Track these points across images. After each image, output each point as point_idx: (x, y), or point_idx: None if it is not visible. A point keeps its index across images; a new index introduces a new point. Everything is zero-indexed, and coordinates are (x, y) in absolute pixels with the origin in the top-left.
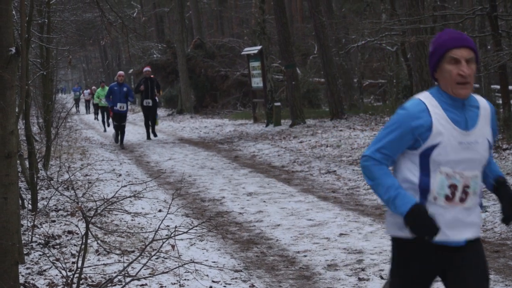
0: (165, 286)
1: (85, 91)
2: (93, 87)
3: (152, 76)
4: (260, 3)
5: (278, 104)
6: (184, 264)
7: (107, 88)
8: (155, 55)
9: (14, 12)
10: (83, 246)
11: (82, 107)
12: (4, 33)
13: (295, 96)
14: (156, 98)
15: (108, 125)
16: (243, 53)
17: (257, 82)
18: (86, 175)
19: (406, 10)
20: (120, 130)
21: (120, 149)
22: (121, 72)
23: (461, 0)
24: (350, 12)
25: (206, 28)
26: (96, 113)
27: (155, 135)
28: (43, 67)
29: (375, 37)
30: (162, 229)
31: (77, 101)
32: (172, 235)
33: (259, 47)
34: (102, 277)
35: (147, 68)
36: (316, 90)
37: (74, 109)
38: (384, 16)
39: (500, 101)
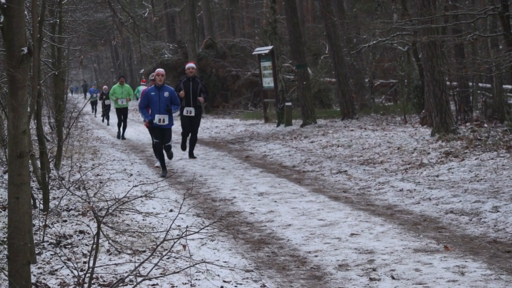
0: (176, 286)
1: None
2: (104, 87)
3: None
4: (271, 3)
5: (289, 104)
6: (195, 264)
7: (126, 86)
8: (166, 55)
9: (26, 12)
10: (94, 245)
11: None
12: (16, 33)
13: (306, 96)
14: (201, 104)
15: (122, 134)
16: (254, 53)
17: (268, 82)
18: (98, 175)
19: (417, 10)
20: (161, 152)
21: (162, 177)
22: (160, 70)
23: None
24: (361, 12)
25: (217, 28)
26: (105, 115)
27: (191, 155)
28: (54, 67)
29: (386, 37)
30: (173, 229)
31: (94, 103)
32: (183, 235)
33: (270, 47)
34: (113, 277)
35: (190, 65)
36: (327, 90)
37: (91, 112)
38: (396, 16)
39: None
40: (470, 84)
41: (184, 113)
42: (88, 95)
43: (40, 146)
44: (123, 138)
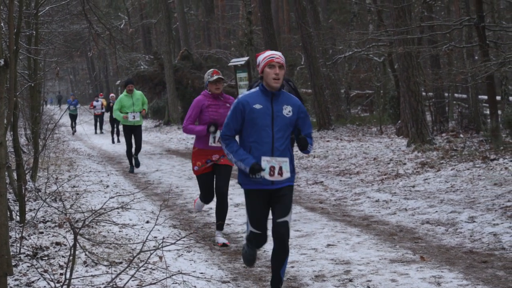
0: None
1: (94, 102)
2: (112, 95)
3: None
4: (247, 14)
5: None
6: (172, 275)
7: (138, 93)
8: (142, 66)
9: (2, 24)
10: (71, 257)
11: (79, 127)
12: None
13: None
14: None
15: (136, 163)
16: (230, 64)
17: (244, 93)
18: (74, 186)
19: (393, 21)
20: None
21: None
22: (274, 54)
23: (448, 10)
24: (337, 23)
25: (193, 39)
26: (115, 133)
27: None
28: (31, 79)
29: (362, 47)
30: (150, 240)
31: (73, 117)
32: (160, 246)
33: (246, 58)
34: None
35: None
36: (303, 101)
37: (70, 129)
38: (371, 26)
39: (488, 112)
40: (446, 94)
41: None
42: (65, 106)
43: (17, 157)
44: (136, 165)
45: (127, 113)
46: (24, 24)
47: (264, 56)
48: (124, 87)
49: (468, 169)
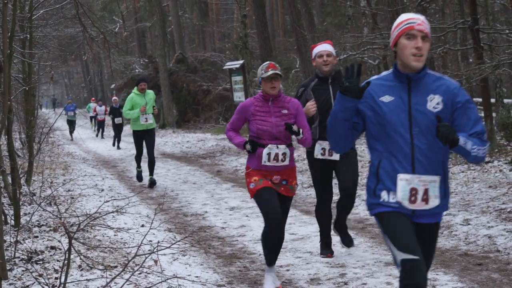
0: None
1: (97, 108)
2: (114, 98)
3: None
4: (242, 17)
5: None
6: (167, 279)
7: (150, 93)
8: (137, 70)
9: None
10: (66, 261)
11: (76, 132)
12: None
13: None
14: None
15: (149, 184)
16: (225, 67)
17: (239, 96)
18: (69, 190)
19: (387, 24)
20: None
21: None
22: (414, 18)
23: (443, 13)
24: (332, 26)
25: (188, 43)
26: (117, 138)
27: (344, 243)
28: (25, 83)
29: (357, 50)
30: (145, 244)
31: (71, 124)
32: (155, 250)
33: (241, 62)
34: None
35: (325, 47)
36: None
37: (68, 136)
38: (366, 29)
39: (482, 114)
40: None
41: (316, 153)
42: (60, 110)
43: (11, 161)
44: (151, 183)
45: (143, 109)
46: (18, 28)
47: (399, 21)
48: (136, 84)
49: (463, 172)
